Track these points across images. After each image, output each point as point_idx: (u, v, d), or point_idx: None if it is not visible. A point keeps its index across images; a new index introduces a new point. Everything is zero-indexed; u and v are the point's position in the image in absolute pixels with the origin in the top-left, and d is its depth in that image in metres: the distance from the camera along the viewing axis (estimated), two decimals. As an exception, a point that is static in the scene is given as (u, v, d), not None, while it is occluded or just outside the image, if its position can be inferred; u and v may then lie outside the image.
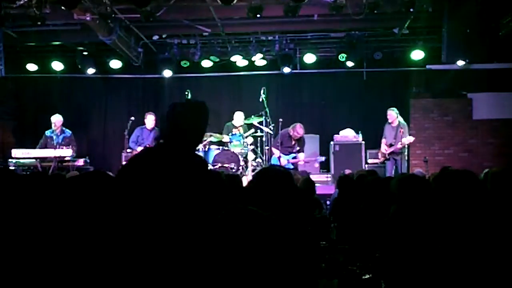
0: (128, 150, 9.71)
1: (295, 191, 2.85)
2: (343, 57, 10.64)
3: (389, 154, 9.74)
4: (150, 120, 9.88)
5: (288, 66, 10.89)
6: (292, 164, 9.66)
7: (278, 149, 9.66)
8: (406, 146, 9.66)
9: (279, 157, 9.61)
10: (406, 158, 9.71)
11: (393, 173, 9.53)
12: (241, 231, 1.46)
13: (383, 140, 9.92)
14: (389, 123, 9.85)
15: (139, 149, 9.44)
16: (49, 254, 2.05)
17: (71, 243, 2.04)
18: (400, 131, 9.66)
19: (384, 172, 9.76)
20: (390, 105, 10.12)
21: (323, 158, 10.10)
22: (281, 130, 9.89)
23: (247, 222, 1.47)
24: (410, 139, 9.56)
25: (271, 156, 9.88)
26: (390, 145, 9.71)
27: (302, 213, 3.17)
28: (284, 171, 2.89)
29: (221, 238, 1.48)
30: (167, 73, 11.04)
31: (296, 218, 2.51)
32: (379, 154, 10.08)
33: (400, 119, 9.86)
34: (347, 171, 8.29)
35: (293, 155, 9.67)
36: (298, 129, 9.53)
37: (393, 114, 9.79)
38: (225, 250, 1.45)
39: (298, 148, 9.67)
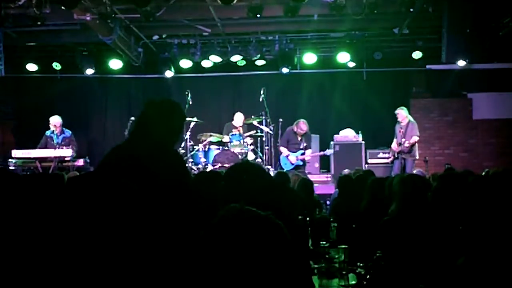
0: None
1: (271, 184, 2.82)
2: (347, 57, 10.59)
3: (398, 153, 9.71)
4: None
5: (287, 67, 10.89)
6: (302, 160, 9.62)
7: (285, 146, 9.66)
8: (416, 145, 9.62)
9: (287, 156, 9.61)
10: (416, 157, 9.66)
11: (399, 173, 9.49)
12: (238, 231, 1.46)
13: (394, 140, 9.89)
14: (399, 122, 9.80)
15: None
16: (46, 255, 2.04)
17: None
18: (400, 131, 9.65)
19: (390, 171, 9.75)
20: (390, 105, 10.12)
21: (331, 151, 10.08)
22: (281, 130, 9.89)
23: (244, 222, 1.47)
24: (415, 138, 9.55)
25: (279, 156, 9.86)
26: (400, 144, 9.69)
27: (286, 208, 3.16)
28: (253, 165, 2.88)
29: (218, 238, 1.47)
30: (169, 74, 11.05)
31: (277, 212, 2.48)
32: (390, 153, 10.07)
33: (410, 118, 9.80)
34: (346, 171, 8.28)
35: (301, 151, 9.64)
36: (301, 125, 9.54)
37: (402, 113, 9.74)
38: (222, 251, 1.45)
39: (305, 144, 9.62)
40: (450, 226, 2.99)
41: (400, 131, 9.64)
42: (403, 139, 9.56)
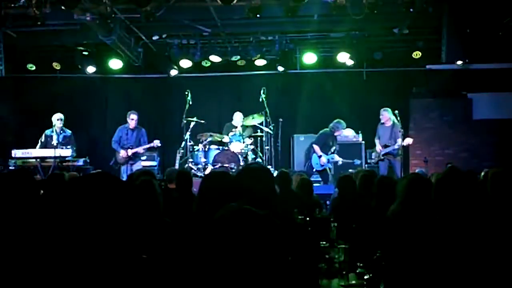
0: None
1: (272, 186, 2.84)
2: (347, 57, 10.56)
3: (383, 155, 9.61)
4: (133, 120, 9.46)
5: (284, 66, 10.91)
6: (332, 163, 9.57)
7: (318, 146, 9.60)
8: (402, 148, 9.53)
9: (320, 156, 9.55)
10: (401, 159, 9.60)
11: (386, 174, 9.39)
12: (237, 231, 1.46)
13: (377, 141, 9.77)
14: (382, 123, 9.71)
15: (122, 151, 9.34)
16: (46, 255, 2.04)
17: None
18: (399, 132, 9.61)
19: (377, 172, 9.69)
20: (390, 105, 10.09)
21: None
22: (280, 130, 9.89)
23: (243, 221, 1.47)
24: (409, 140, 9.46)
25: (311, 154, 9.75)
26: (385, 146, 9.58)
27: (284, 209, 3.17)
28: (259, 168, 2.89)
29: (218, 238, 1.48)
30: (173, 72, 11.07)
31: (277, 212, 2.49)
32: (373, 155, 9.97)
33: (394, 119, 9.64)
34: (351, 171, 8.23)
35: (333, 155, 9.60)
36: (341, 131, 9.66)
37: (386, 114, 9.63)
38: (222, 250, 1.45)
39: (336, 148, 9.62)
40: (450, 226, 2.98)
41: (400, 132, 9.58)
42: (390, 141, 9.49)
